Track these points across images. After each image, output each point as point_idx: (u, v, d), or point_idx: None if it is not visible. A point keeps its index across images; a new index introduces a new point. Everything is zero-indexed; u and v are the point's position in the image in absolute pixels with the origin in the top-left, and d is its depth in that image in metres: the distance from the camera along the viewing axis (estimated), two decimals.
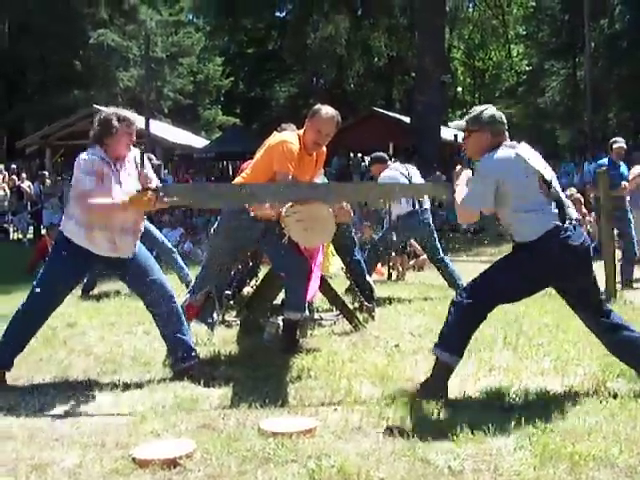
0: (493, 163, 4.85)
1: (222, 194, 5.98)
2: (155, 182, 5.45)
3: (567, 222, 4.80)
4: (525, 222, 4.81)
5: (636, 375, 5.02)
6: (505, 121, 5.06)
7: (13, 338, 5.46)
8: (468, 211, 5.04)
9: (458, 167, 5.48)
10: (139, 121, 28.11)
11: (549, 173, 4.96)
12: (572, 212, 4.89)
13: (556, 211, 4.83)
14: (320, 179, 7.36)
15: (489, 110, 5.06)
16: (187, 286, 9.47)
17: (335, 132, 6.10)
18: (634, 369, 5.04)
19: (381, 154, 10.27)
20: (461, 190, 5.17)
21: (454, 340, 4.89)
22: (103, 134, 5.37)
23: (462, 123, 5.18)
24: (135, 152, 5.60)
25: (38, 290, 5.42)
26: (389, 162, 9.90)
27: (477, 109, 5.14)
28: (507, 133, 5.04)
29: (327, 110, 6.05)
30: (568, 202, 4.97)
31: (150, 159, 9.20)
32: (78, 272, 5.63)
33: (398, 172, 9.48)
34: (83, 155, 5.37)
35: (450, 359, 4.87)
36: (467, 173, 5.33)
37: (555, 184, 4.94)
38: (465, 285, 5.18)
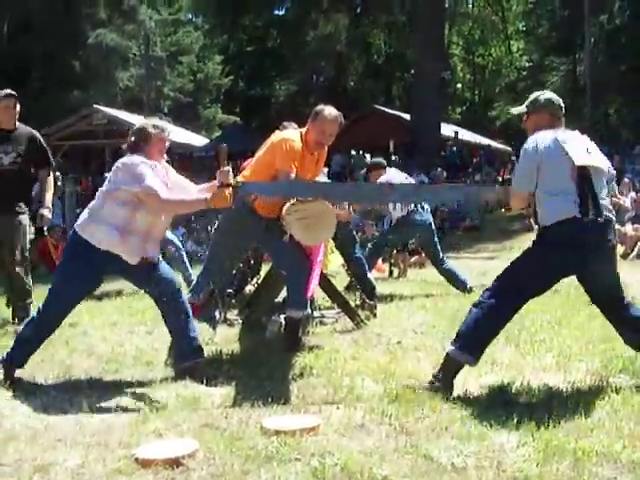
0: (530, 146, 4.90)
1: (299, 192, 5.93)
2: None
3: (590, 216, 4.74)
4: (546, 205, 4.81)
5: None
6: (562, 104, 5.16)
7: (30, 338, 5.49)
8: (518, 197, 5.09)
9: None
10: (138, 120, 28.26)
11: (595, 163, 4.90)
12: (602, 208, 4.80)
13: (578, 201, 4.74)
14: (322, 178, 7.37)
15: (547, 94, 5.22)
16: (188, 285, 9.48)
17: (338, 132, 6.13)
18: None
19: (379, 160, 10.28)
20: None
21: (474, 342, 4.87)
22: (139, 141, 5.44)
23: (522, 108, 5.29)
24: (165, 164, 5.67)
25: (55, 292, 5.44)
26: (388, 168, 9.87)
27: (536, 93, 5.27)
28: (563, 119, 5.12)
29: (330, 110, 6.06)
30: (606, 200, 4.91)
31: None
32: (96, 276, 5.61)
33: (395, 176, 9.49)
34: (125, 159, 5.39)
35: (466, 359, 4.86)
36: None
37: (599, 178, 4.89)
38: (487, 287, 5.12)
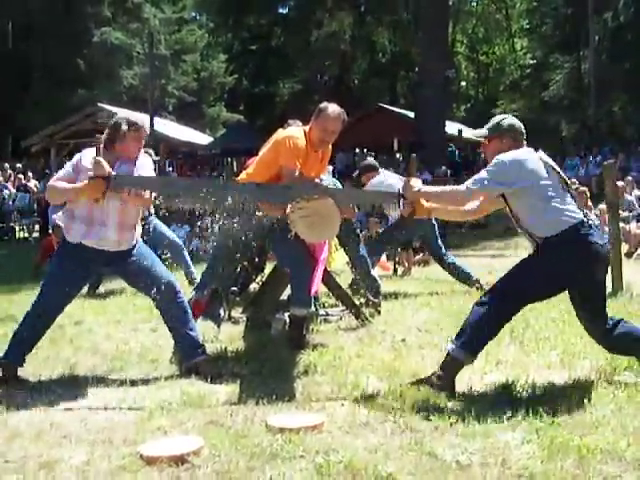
0: (512, 159, 4.88)
1: (178, 187, 6.03)
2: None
3: (589, 221, 4.83)
4: (548, 217, 4.81)
5: None
6: (524, 130, 5.14)
7: (24, 336, 5.50)
8: (462, 191, 5.03)
9: (404, 178, 5.48)
10: (143, 120, 28.34)
11: (566, 178, 5.07)
12: (591, 215, 4.94)
13: (577, 208, 4.89)
14: (327, 176, 7.36)
15: (509, 119, 5.17)
16: (191, 283, 9.49)
17: (341, 129, 6.13)
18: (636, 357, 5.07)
19: (371, 162, 10.25)
20: (428, 189, 5.22)
21: (475, 341, 4.87)
22: (113, 137, 5.50)
23: (483, 131, 5.23)
24: (147, 159, 5.68)
25: (44, 291, 5.49)
26: (380, 169, 9.81)
27: (497, 117, 5.23)
28: (525, 142, 5.10)
29: (333, 108, 6.07)
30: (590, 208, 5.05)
31: (150, 154, 9.24)
32: (79, 271, 5.62)
33: (388, 177, 9.48)
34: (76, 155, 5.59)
35: (465, 357, 4.86)
36: (417, 181, 5.30)
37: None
38: (490, 286, 5.14)
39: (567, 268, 4.80)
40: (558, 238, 4.76)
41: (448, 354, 4.91)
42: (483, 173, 4.96)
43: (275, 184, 5.90)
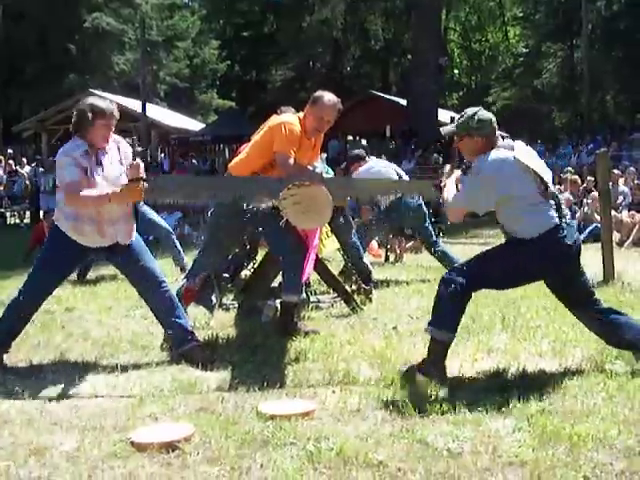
0: (488, 165, 4.83)
1: (213, 187, 6.00)
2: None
3: (563, 221, 4.85)
4: (525, 221, 4.82)
5: (634, 357, 5.02)
6: (495, 123, 5.02)
7: (9, 321, 5.49)
8: (454, 210, 5.13)
9: (447, 167, 5.49)
10: (134, 105, 28.04)
11: (546, 173, 4.99)
12: (566, 211, 4.95)
13: (554, 210, 4.87)
14: (319, 163, 7.34)
15: (478, 114, 5.01)
16: (182, 270, 9.48)
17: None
18: (629, 350, 5.07)
19: (358, 152, 10.23)
20: (450, 189, 5.19)
21: (447, 317, 4.90)
22: (79, 125, 5.35)
23: (452, 129, 5.18)
24: (123, 142, 5.59)
25: (32, 276, 5.46)
26: (367, 158, 9.81)
27: (467, 113, 5.08)
28: (497, 133, 5.01)
29: (329, 97, 6.05)
30: (562, 199, 5.03)
31: (132, 145, 9.20)
32: (70, 261, 5.61)
33: (377, 164, 9.49)
34: (61, 149, 5.39)
35: (444, 336, 4.87)
36: (457, 173, 5.33)
37: (550, 183, 4.97)
38: (457, 265, 5.19)
39: (536, 268, 4.89)
40: (535, 241, 4.79)
41: (431, 338, 4.92)
42: (467, 192, 4.99)
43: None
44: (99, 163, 5.31)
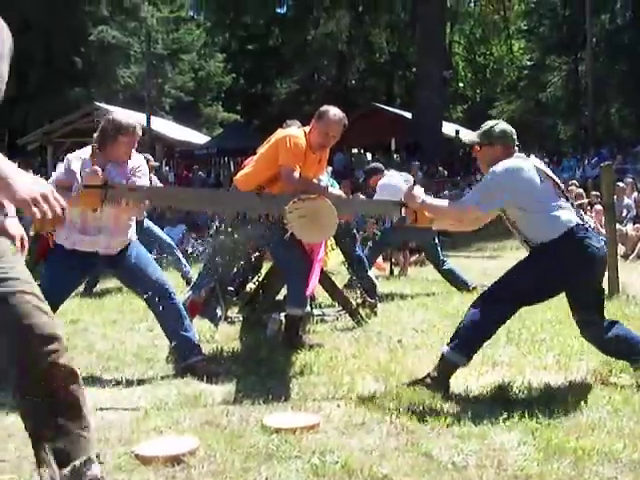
0: (505, 171, 4.85)
1: (175, 196, 6.02)
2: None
3: (585, 224, 4.86)
4: (546, 223, 4.82)
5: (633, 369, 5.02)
6: (515, 136, 5.10)
7: None
8: (465, 209, 5.02)
9: (408, 186, 5.46)
10: (139, 118, 28.12)
11: (560, 183, 5.06)
12: (587, 218, 4.96)
13: (573, 213, 4.90)
14: (324, 177, 7.36)
15: (500, 125, 5.12)
16: (188, 283, 9.49)
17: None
18: (628, 361, 5.07)
19: (377, 165, 10.26)
20: (430, 200, 5.18)
21: (469, 343, 4.87)
22: (102, 140, 5.43)
23: (474, 138, 5.21)
24: (135, 158, 5.61)
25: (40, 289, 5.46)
26: (385, 171, 9.83)
27: (489, 123, 5.18)
28: (517, 148, 5.08)
29: (335, 112, 6.05)
30: (580, 210, 5.05)
31: (148, 160, 9.21)
32: (74, 273, 5.62)
33: (393, 177, 9.48)
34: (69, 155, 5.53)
35: (459, 360, 4.86)
36: (419, 189, 5.29)
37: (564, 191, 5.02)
38: (486, 288, 5.13)
39: (563, 272, 4.81)
40: (554, 243, 4.77)
41: (442, 356, 4.91)
42: (479, 190, 4.99)
43: (275, 194, 5.85)
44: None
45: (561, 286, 4.96)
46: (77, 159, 5.41)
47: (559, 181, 5.06)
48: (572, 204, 5.01)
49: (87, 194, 5.12)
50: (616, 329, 5.02)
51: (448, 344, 4.91)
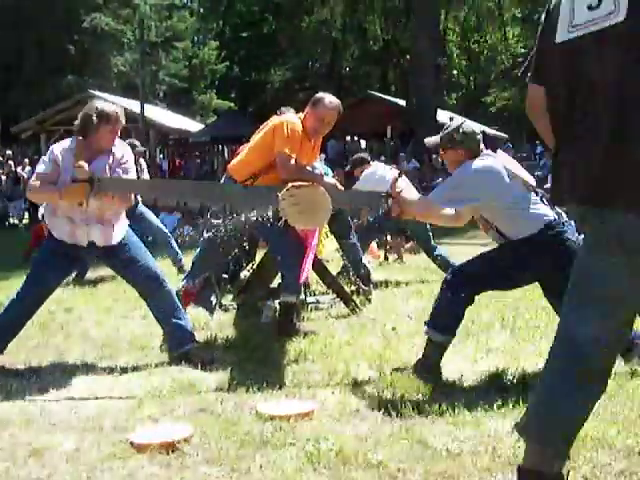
0: (475, 172, 4.85)
1: (162, 189, 6.01)
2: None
3: (560, 217, 4.88)
4: (523, 219, 4.85)
5: (632, 357, 5.03)
6: (479, 135, 5.07)
7: (6, 323, 5.47)
8: (429, 208, 4.98)
9: (393, 176, 5.45)
10: (133, 105, 28.04)
11: (530, 179, 5.06)
12: (561, 212, 4.97)
13: (548, 208, 4.94)
14: (318, 164, 7.34)
15: (463, 127, 5.06)
16: (180, 270, 9.48)
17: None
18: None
19: (362, 155, 10.20)
20: (408, 195, 5.17)
21: (445, 319, 4.94)
22: (84, 129, 5.37)
23: (436, 140, 5.20)
24: (119, 147, 5.53)
25: (30, 279, 5.45)
26: (370, 162, 9.78)
27: (452, 126, 5.13)
28: (482, 145, 5.06)
29: (330, 99, 6.04)
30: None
31: (134, 146, 9.17)
32: (62, 260, 5.59)
33: (377, 167, 9.45)
34: (53, 145, 5.45)
35: (442, 338, 4.90)
36: (403, 181, 5.29)
37: (534, 187, 5.03)
38: (458, 266, 5.20)
39: (539, 265, 4.88)
40: (535, 237, 4.81)
41: (428, 338, 4.95)
42: (445, 189, 4.96)
43: (261, 187, 5.84)
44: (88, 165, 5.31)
45: (535, 278, 5.06)
46: (61, 151, 5.33)
47: (528, 177, 5.06)
48: (542, 198, 5.01)
49: (74, 188, 5.12)
50: None
51: (427, 324, 4.98)
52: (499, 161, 4.96)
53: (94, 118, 5.30)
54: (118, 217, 5.56)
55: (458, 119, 5.15)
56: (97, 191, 5.13)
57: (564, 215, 4.98)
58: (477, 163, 4.89)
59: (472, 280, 4.91)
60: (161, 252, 10.22)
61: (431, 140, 5.34)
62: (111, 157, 5.41)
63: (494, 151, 5.11)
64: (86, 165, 5.14)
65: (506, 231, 4.95)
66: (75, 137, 5.40)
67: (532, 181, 5.04)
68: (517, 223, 4.87)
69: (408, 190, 5.26)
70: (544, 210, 4.90)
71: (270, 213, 5.57)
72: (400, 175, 5.29)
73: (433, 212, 5.01)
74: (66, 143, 5.41)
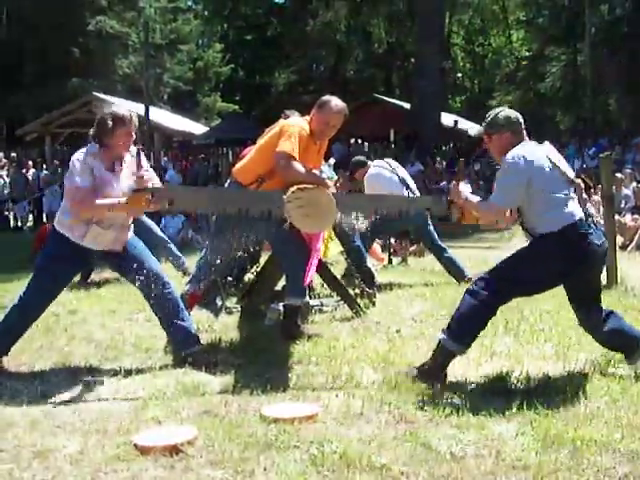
0: (519, 160, 4.83)
1: (220, 198, 6.00)
2: (152, 182, 5.42)
3: (589, 219, 4.85)
4: (550, 214, 4.81)
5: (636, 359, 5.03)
6: (522, 120, 5.07)
7: (11, 325, 5.47)
8: (494, 210, 5.01)
9: (453, 183, 5.46)
10: (137, 108, 28.12)
11: (570, 171, 5.03)
12: (591, 210, 4.94)
13: (578, 206, 4.90)
14: (325, 168, 7.33)
15: (504, 112, 5.09)
16: (184, 273, 9.47)
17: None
18: (624, 354, 5.09)
19: (359, 158, 10.17)
20: (471, 198, 5.16)
21: (465, 330, 4.88)
22: (100, 134, 5.36)
23: (481, 129, 5.21)
24: (134, 151, 5.55)
25: (34, 283, 5.45)
26: (369, 163, 9.76)
27: (493, 112, 5.15)
28: (524, 132, 5.04)
29: (336, 102, 6.03)
30: (587, 200, 5.01)
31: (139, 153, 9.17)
32: (72, 267, 5.63)
33: (381, 168, 9.42)
34: (77, 155, 5.38)
35: (457, 348, 4.87)
36: (465, 186, 5.31)
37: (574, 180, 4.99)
38: (482, 275, 5.10)
39: (562, 265, 4.81)
40: (556, 235, 4.76)
41: (439, 343, 4.92)
42: (500, 188, 4.93)
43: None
44: (114, 171, 5.33)
45: (559, 280, 4.96)
46: (88, 159, 5.29)
47: (569, 170, 5.02)
48: (580, 195, 4.99)
49: (137, 198, 5.16)
50: (612, 322, 5.02)
51: (444, 331, 4.92)
52: (542, 149, 4.95)
53: (109, 122, 5.29)
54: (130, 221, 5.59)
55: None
56: (157, 199, 5.17)
57: (593, 213, 4.95)
58: (518, 150, 4.87)
59: (497, 290, 4.83)
60: (159, 257, 10.23)
61: (476, 130, 5.35)
62: (129, 161, 5.43)
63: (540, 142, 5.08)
64: (150, 175, 5.18)
65: (530, 222, 4.91)
66: (93, 145, 5.39)
67: (571, 174, 5.01)
68: (543, 216, 4.81)
69: (469, 194, 5.24)
70: (573, 208, 4.84)
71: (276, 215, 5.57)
72: (460, 180, 5.29)
73: (494, 215, 5.04)
74: (89, 150, 5.37)
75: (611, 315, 5.06)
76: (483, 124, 5.17)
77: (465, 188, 5.19)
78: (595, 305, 5.04)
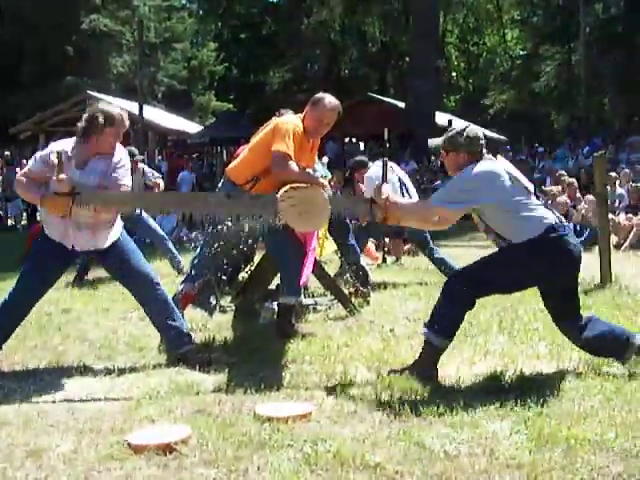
0: (478, 175, 4.87)
1: (148, 202, 6.03)
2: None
3: (559, 221, 4.89)
4: (522, 223, 4.84)
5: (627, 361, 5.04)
6: (483, 140, 5.07)
7: (2, 324, 5.45)
8: (424, 207, 5.10)
9: (377, 182, 5.45)
10: (131, 107, 28.06)
11: (529, 184, 5.06)
12: (561, 217, 4.99)
13: (549, 212, 4.94)
14: (319, 167, 7.32)
15: (467, 132, 5.05)
16: (179, 272, 9.47)
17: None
18: (613, 358, 5.10)
19: (361, 158, 10.18)
20: (397, 199, 5.20)
21: (445, 323, 4.91)
22: (88, 129, 5.33)
23: (439, 142, 5.19)
24: (123, 154, 5.53)
25: (23, 278, 5.44)
26: (370, 164, 9.76)
27: (455, 129, 5.14)
28: (484, 150, 5.05)
29: (330, 99, 6.03)
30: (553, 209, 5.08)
31: (133, 154, 9.16)
32: (54, 263, 5.57)
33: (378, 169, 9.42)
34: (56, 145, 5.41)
35: (440, 342, 4.89)
36: (388, 186, 5.30)
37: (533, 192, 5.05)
38: (459, 269, 5.18)
39: (540, 268, 4.87)
40: (534, 242, 4.79)
41: (426, 341, 4.93)
42: (446, 191, 5.00)
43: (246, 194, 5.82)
44: (83, 168, 5.29)
45: (535, 282, 5.06)
46: (58, 152, 5.21)
47: (527, 183, 5.05)
48: (545, 203, 5.04)
49: (54, 200, 5.13)
50: (591, 329, 5.03)
51: (426, 326, 4.95)
52: (500, 165, 4.96)
53: (100, 119, 5.26)
54: (112, 221, 5.54)
55: (462, 123, 5.14)
56: (78, 205, 5.12)
57: (564, 219, 4.99)
58: (479, 166, 4.90)
59: (473, 284, 4.88)
60: (159, 254, 10.24)
61: (434, 141, 5.34)
62: (110, 161, 5.38)
63: (494, 156, 5.10)
64: (67, 178, 5.11)
65: (506, 234, 4.93)
66: (75, 139, 5.37)
67: (531, 187, 5.04)
68: (517, 226, 4.85)
69: (394, 195, 5.25)
70: (545, 214, 4.88)
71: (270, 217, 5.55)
72: (385, 181, 5.30)
73: (433, 214, 5.03)
74: (67, 144, 5.36)
75: (590, 322, 5.07)
76: (443, 137, 5.17)
77: (387, 188, 5.19)
78: (572, 310, 5.07)
